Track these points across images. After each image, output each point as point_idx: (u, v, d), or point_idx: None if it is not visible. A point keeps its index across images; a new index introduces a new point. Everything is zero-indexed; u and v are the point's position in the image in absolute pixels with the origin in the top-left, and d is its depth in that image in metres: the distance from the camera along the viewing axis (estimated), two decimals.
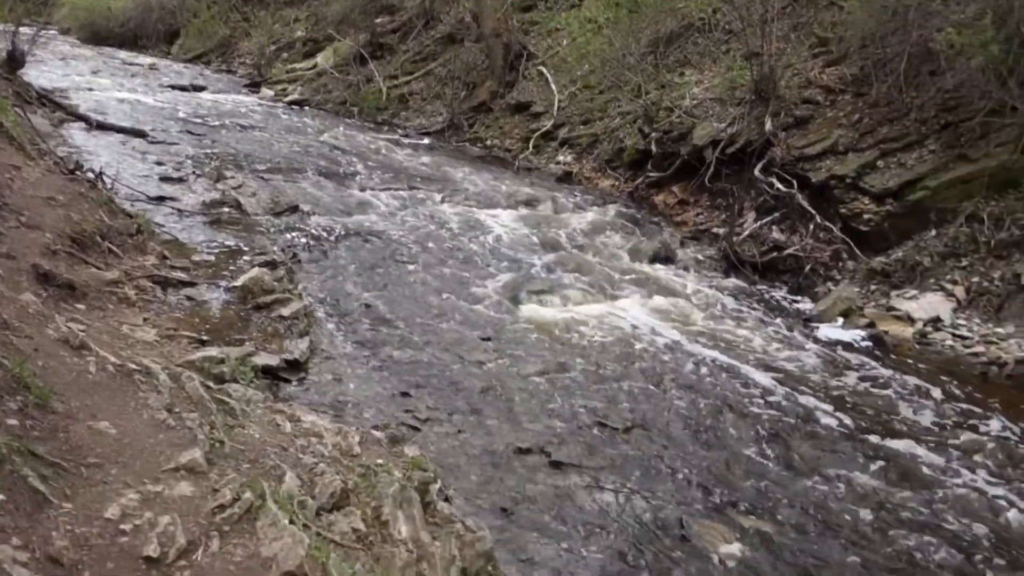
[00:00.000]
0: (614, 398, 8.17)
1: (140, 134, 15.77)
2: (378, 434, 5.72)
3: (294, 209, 12.36)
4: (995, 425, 8.55)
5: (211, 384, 5.38)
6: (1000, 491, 7.22)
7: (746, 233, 13.97)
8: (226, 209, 11.56)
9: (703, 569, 5.72)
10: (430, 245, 11.97)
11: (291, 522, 3.77)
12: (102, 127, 15.65)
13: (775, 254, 13.58)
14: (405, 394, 7.47)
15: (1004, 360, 10.40)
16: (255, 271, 8.34)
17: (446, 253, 11.79)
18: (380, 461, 5.11)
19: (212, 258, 9.07)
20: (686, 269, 13.33)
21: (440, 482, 5.34)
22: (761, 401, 8.51)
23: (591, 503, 6.33)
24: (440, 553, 4.31)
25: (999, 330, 11.14)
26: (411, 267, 11.00)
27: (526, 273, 11.54)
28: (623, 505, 6.34)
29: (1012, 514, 6.88)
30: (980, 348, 10.80)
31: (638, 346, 9.62)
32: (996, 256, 12.02)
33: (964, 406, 8.97)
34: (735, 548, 6.00)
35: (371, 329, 8.79)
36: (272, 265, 9.05)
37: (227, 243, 9.81)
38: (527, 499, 6.23)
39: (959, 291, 11.96)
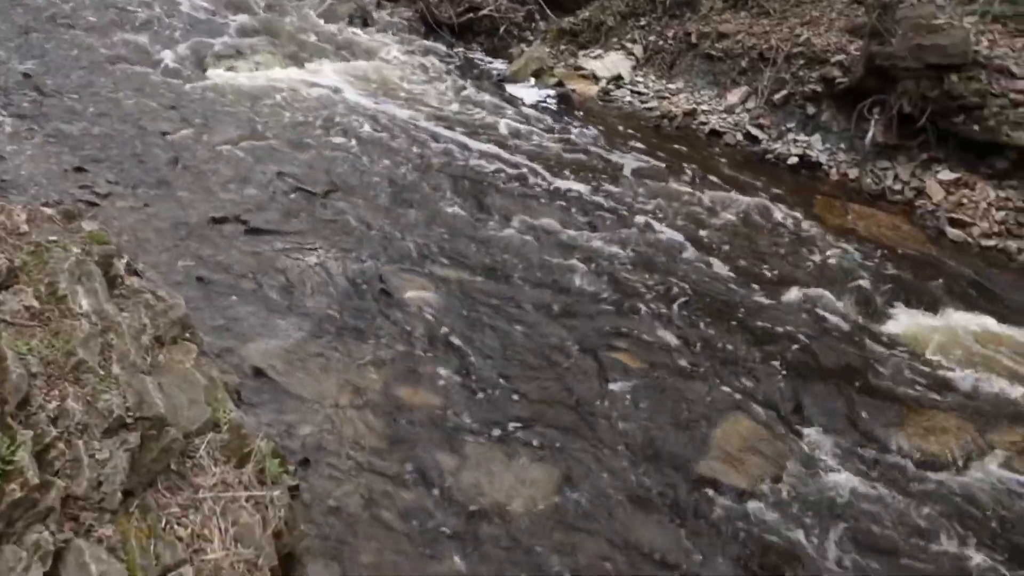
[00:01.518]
0: (312, 163, 8.04)
1: None
2: (49, 211, 5.25)
3: None
4: (665, 169, 9.45)
5: None
6: (665, 224, 8.11)
7: None
8: None
9: (403, 318, 6.02)
10: (97, 7, 10.67)
11: None
12: None
13: (471, 15, 13.60)
14: (80, 169, 6.88)
15: (674, 113, 11.39)
16: None
17: (117, 16, 10.60)
18: (53, 238, 4.74)
19: None
20: (383, 32, 12.99)
21: (127, 256, 5.08)
22: (456, 159, 8.77)
23: (292, 266, 6.35)
24: (128, 323, 4.16)
25: (671, 86, 12.10)
26: (77, 32, 9.82)
27: (211, 38, 10.70)
28: (324, 266, 6.43)
29: (667, 237, 7.78)
30: (654, 103, 11.72)
31: (335, 111, 9.42)
32: (671, 16, 12.82)
33: (640, 155, 9.79)
34: (432, 295, 6.35)
35: (32, 101, 7.86)
36: None
37: None
38: (225, 267, 6.13)
39: (638, 50, 12.73)
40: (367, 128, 9.12)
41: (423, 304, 6.24)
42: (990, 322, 7.24)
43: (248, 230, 6.70)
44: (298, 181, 7.63)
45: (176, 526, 3.22)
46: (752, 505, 4.96)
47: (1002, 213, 8.97)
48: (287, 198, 7.33)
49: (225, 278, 6.01)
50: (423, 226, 7.38)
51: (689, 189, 9.02)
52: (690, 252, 7.72)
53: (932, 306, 7.42)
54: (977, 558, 4.84)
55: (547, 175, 8.76)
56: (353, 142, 8.71)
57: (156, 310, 4.63)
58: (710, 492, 5.00)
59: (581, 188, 8.57)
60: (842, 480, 5.28)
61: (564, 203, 8.21)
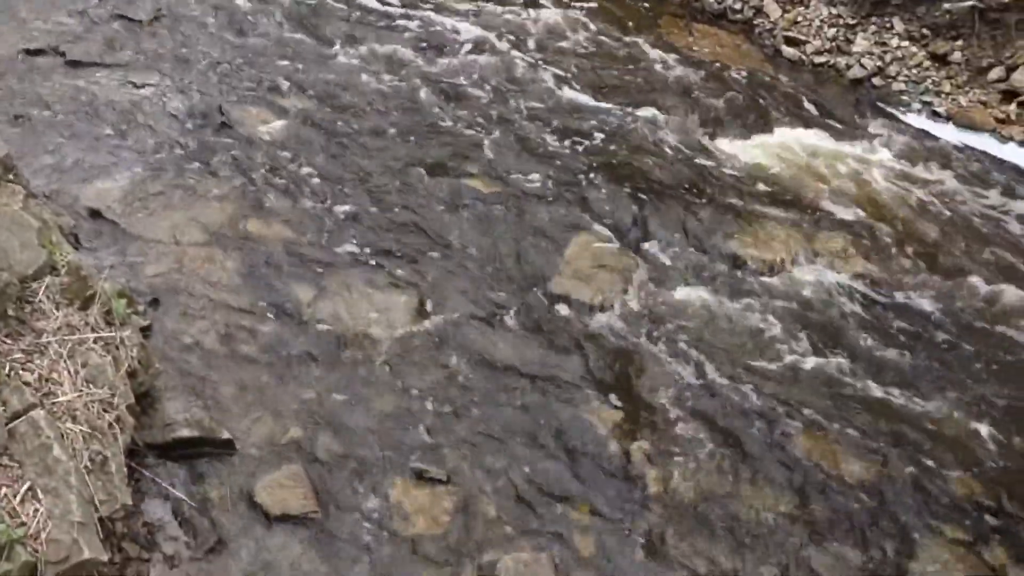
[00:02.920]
0: None
1: None
2: None
3: None
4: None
5: None
6: (512, 48, 7.99)
7: None
8: None
9: (247, 151, 5.81)
10: None
11: None
12: None
13: None
14: None
15: None
16: None
17: None
18: None
19: None
20: None
21: None
22: None
23: (121, 101, 5.95)
24: None
25: None
26: None
27: None
28: (156, 99, 6.07)
29: (514, 61, 7.70)
30: None
31: None
32: None
33: None
34: (277, 126, 6.13)
35: None
36: None
37: None
38: (46, 104, 5.69)
39: None
40: None
41: (267, 136, 6.03)
42: (817, 136, 7.64)
43: (68, 63, 6.20)
44: (118, 8, 7.04)
45: (22, 371, 3.13)
46: (602, 317, 5.24)
47: (833, 30, 9.28)
48: (108, 27, 6.78)
49: (48, 116, 5.60)
50: (262, 55, 7.01)
51: (534, 12, 8.85)
52: (537, 75, 7.67)
53: (766, 122, 7.73)
54: (806, 350, 5.30)
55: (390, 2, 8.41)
56: None
57: None
58: (563, 307, 5.23)
59: (423, 15, 8.27)
60: (683, 289, 5.62)
61: (407, 30, 7.94)
